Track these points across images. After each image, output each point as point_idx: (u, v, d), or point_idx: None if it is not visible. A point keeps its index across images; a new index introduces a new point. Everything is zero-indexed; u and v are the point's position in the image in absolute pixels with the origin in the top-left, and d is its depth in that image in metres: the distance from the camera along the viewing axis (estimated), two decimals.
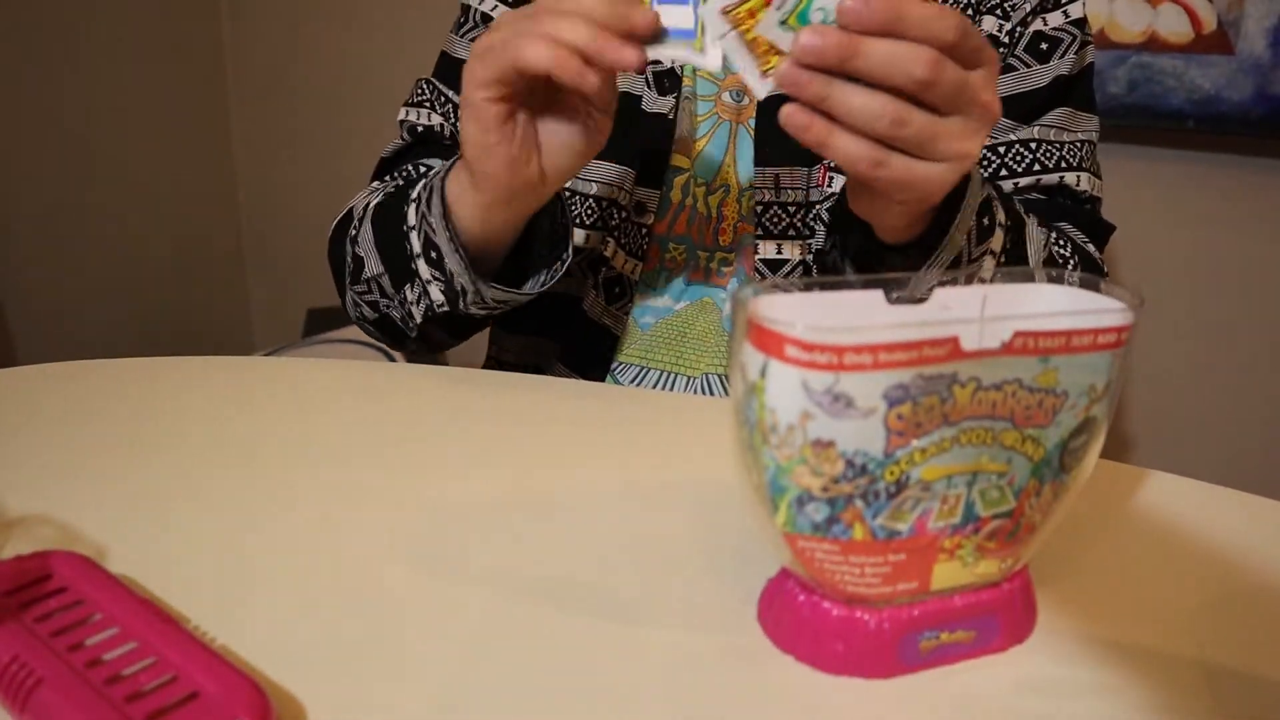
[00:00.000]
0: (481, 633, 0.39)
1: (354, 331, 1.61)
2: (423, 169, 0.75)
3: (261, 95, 2.04)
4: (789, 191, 0.73)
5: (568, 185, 0.73)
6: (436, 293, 0.65)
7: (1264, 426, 1.35)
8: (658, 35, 0.51)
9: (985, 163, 0.73)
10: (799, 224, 0.73)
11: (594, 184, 0.74)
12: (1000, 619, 0.38)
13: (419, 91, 0.81)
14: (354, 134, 1.93)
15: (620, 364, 0.75)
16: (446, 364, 0.83)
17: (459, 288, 0.64)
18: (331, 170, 1.98)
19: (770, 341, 0.31)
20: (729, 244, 0.75)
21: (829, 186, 0.73)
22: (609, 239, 0.74)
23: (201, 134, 2.01)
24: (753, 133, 0.74)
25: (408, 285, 0.66)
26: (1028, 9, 0.72)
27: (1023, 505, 0.36)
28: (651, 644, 0.38)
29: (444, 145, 0.79)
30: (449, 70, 0.81)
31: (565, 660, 0.37)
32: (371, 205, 0.70)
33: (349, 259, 0.71)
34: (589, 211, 0.74)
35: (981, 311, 0.38)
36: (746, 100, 0.73)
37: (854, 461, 0.33)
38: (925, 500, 0.34)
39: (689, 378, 0.74)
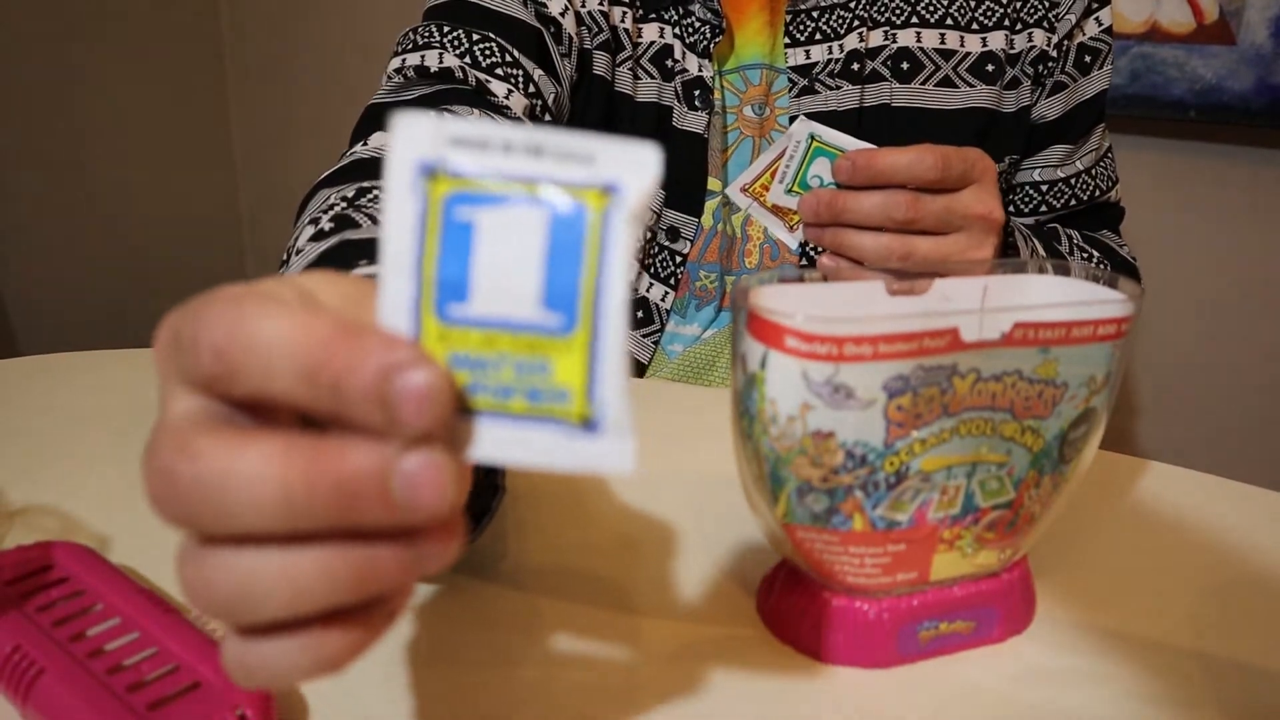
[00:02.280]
0: (481, 622, 0.39)
1: None
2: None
3: (261, 86, 2.04)
4: None
5: None
6: None
7: (1263, 417, 1.35)
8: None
9: (1059, 194, 0.77)
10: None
11: None
12: (999, 609, 0.38)
13: (419, 37, 0.67)
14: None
15: None
16: None
17: None
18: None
19: (770, 332, 0.31)
20: (754, 266, 0.73)
21: None
22: (633, 262, 0.71)
23: (202, 125, 2.01)
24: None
25: None
26: (1072, 21, 0.72)
27: (1022, 496, 0.36)
28: (651, 634, 0.38)
29: (471, 93, 0.64)
30: (460, 10, 0.68)
31: (565, 650, 0.37)
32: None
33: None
34: None
35: (982, 303, 0.38)
36: (768, 112, 0.72)
37: (854, 452, 0.33)
38: (925, 491, 0.34)
39: None
